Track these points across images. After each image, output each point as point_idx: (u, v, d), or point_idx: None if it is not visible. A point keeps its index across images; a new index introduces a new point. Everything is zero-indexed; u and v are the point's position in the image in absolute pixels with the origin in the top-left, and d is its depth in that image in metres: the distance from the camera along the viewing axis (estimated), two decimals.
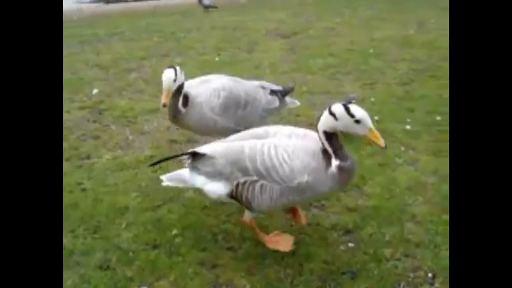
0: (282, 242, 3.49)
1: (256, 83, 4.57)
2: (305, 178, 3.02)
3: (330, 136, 3.03)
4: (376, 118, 5.61)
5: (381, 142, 2.99)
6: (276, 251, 3.44)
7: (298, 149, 3.09)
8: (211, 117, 4.11)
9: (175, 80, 3.93)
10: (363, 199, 4.10)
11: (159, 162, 3.81)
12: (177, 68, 3.97)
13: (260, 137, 3.29)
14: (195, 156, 3.38)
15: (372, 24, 10.53)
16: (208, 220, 3.86)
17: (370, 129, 2.97)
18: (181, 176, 3.51)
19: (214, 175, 3.29)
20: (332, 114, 2.95)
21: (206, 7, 12.25)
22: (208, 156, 3.29)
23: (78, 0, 17.04)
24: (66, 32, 10.33)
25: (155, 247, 3.59)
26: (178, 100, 4.08)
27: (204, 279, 3.27)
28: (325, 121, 2.99)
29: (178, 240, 3.65)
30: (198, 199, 4.13)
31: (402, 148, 4.96)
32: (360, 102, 6.10)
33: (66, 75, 7.27)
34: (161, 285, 3.24)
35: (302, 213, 3.68)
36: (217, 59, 7.95)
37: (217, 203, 4.08)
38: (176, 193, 4.24)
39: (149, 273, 3.33)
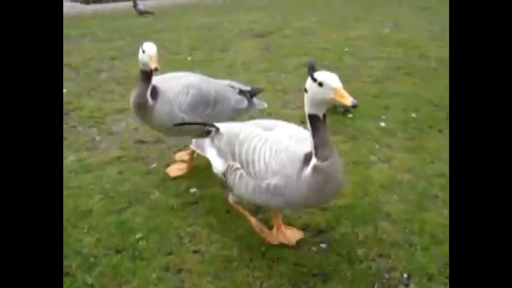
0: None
1: (225, 82, 4.43)
2: (274, 180, 2.85)
3: (316, 121, 2.69)
4: (350, 115, 5.51)
5: (348, 100, 2.54)
6: (244, 254, 3.29)
7: (282, 150, 2.89)
8: (178, 115, 3.94)
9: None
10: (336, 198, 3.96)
11: (182, 124, 3.81)
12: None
13: (267, 128, 3.16)
14: (217, 130, 3.41)
15: (347, 24, 10.45)
16: (174, 222, 3.69)
17: (335, 89, 2.56)
18: (203, 144, 3.56)
19: (219, 151, 3.32)
20: (305, 89, 2.68)
21: (141, 13, 11.99)
22: (220, 131, 3.35)
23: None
24: None
25: (118, 251, 3.40)
26: (146, 88, 3.90)
27: (169, 284, 3.09)
28: (305, 101, 2.70)
29: (142, 243, 3.47)
30: (164, 201, 3.96)
31: (377, 146, 4.85)
32: None
33: None
34: None
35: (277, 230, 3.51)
36: (189, 58, 7.78)
37: (184, 204, 3.93)
38: (141, 195, 4.06)
39: (111, 279, 3.14)
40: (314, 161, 2.72)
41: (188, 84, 4.04)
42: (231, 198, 3.41)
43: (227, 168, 3.21)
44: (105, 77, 7.22)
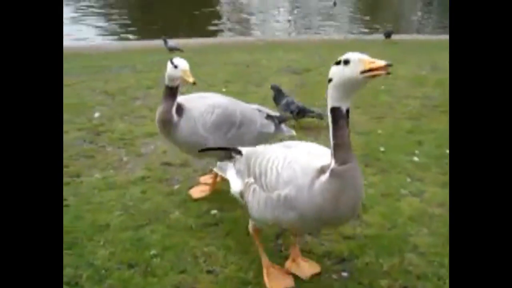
0: (278, 280, 3.13)
1: (253, 106, 4.38)
2: (285, 191, 2.64)
3: (338, 117, 2.47)
4: (382, 149, 5.35)
5: (380, 62, 2.27)
6: (261, 277, 3.14)
7: (296, 161, 2.71)
8: (202, 134, 3.88)
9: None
10: (361, 227, 3.78)
11: (207, 149, 3.71)
12: None
13: (288, 146, 2.99)
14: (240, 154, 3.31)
15: None
16: (191, 241, 3.57)
17: (363, 60, 2.33)
18: (225, 166, 3.47)
19: (238, 172, 3.23)
20: (329, 80, 2.47)
21: (171, 49, 12.21)
22: (242, 154, 3.26)
23: (102, 36, 17.37)
24: (78, 63, 10.46)
25: (130, 266, 3.31)
26: (172, 105, 3.87)
27: None
28: (328, 93, 2.49)
29: (156, 260, 3.36)
30: (183, 221, 3.87)
31: (408, 179, 4.65)
32: (367, 134, 5.88)
33: (71, 100, 7.17)
34: None
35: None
36: (224, 90, 7.81)
37: (203, 225, 3.83)
38: (161, 214, 3.98)
39: None
40: (332, 164, 2.49)
41: (214, 104, 4.01)
42: (250, 225, 3.20)
43: (244, 187, 3.06)
44: (139, 104, 7.31)
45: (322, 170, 2.56)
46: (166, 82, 3.87)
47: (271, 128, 4.23)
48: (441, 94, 7.76)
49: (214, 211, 4.01)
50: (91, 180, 4.65)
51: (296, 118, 6.16)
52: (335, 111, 2.49)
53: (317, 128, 6.23)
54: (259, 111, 4.28)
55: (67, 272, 3.19)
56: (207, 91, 4.62)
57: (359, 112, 6.70)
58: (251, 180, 2.96)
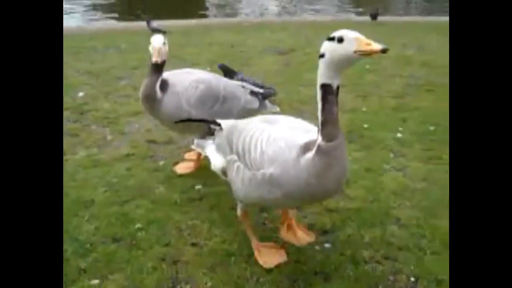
0: (270, 256, 3.14)
1: (237, 82, 4.38)
2: (270, 169, 2.61)
3: (328, 93, 2.45)
4: (366, 126, 5.39)
5: (376, 45, 2.26)
6: (244, 249, 3.18)
7: (280, 138, 2.67)
8: (186, 109, 3.88)
9: (164, 44, 3.83)
10: (344, 201, 3.82)
11: (184, 121, 3.68)
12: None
13: (271, 122, 2.94)
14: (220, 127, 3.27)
15: None
16: (175, 216, 3.60)
17: (358, 39, 2.30)
18: (203, 143, 3.47)
19: (218, 147, 3.19)
20: (320, 56, 2.44)
21: (154, 30, 11.99)
22: (221, 127, 3.21)
23: (90, 19, 17.11)
24: (64, 44, 10.32)
25: (115, 240, 3.33)
26: (156, 80, 3.85)
27: (163, 274, 3.00)
28: (319, 70, 2.47)
29: (140, 234, 3.39)
30: (168, 196, 3.90)
31: (392, 155, 4.70)
32: (351, 112, 5.91)
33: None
34: (115, 278, 2.97)
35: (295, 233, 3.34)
36: (208, 69, 7.78)
37: (187, 200, 3.85)
38: (146, 190, 4.00)
39: (104, 266, 3.07)
40: (319, 140, 2.47)
41: (198, 79, 4.00)
42: (238, 210, 3.14)
43: (226, 163, 3.04)
44: (124, 84, 7.25)
45: (307, 147, 2.55)
46: (151, 58, 3.85)
47: (255, 104, 4.24)
48: (427, 74, 7.81)
49: (198, 186, 4.03)
50: (75, 158, 4.64)
51: None
52: (325, 87, 2.47)
53: (300, 105, 6.24)
54: (243, 87, 4.29)
55: None
56: None
57: (344, 90, 6.69)
58: (234, 157, 2.92)
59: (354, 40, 2.31)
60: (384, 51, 2.26)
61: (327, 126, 2.46)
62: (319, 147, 2.47)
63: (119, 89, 6.97)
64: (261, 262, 3.08)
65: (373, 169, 4.38)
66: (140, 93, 3.94)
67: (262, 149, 2.70)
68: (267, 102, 4.40)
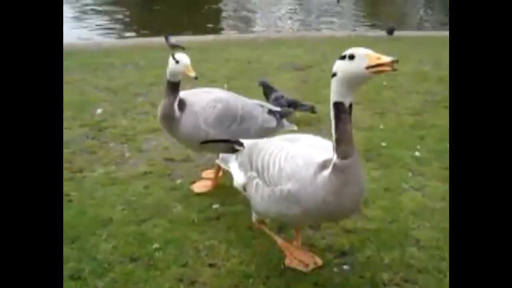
0: (302, 259, 3.21)
1: (255, 101, 4.40)
2: (288, 186, 2.67)
3: (341, 112, 2.49)
4: (383, 144, 5.35)
5: (386, 58, 2.30)
6: (262, 270, 3.16)
7: (298, 156, 2.73)
8: (204, 128, 3.90)
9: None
10: (363, 221, 3.79)
11: (208, 141, 3.78)
12: None
13: (291, 140, 3.00)
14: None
15: None
16: (193, 235, 3.60)
17: (369, 55, 2.34)
18: (228, 158, 3.51)
19: (241, 165, 3.23)
20: (333, 75, 2.48)
21: (173, 47, 12.06)
22: (244, 146, 3.30)
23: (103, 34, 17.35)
24: (80, 61, 10.46)
25: (133, 260, 3.34)
26: (174, 100, 3.91)
27: None
28: (332, 87, 2.51)
29: (158, 254, 3.39)
30: (185, 215, 3.89)
31: (410, 174, 4.66)
32: (369, 130, 5.88)
33: (73, 97, 7.17)
34: None
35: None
36: (225, 86, 7.82)
37: (205, 219, 3.85)
38: (164, 209, 4.00)
39: (122, 286, 3.08)
40: (334, 158, 2.51)
41: (216, 99, 4.03)
42: (254, 217, 3.23)
43: (247, 180, 3.10)
44: (142, 100, 7.32)
45: (324, 165, 2.58)
46: (168, 77, 3.90)
47: (273, 123, 4.25)
48: (444, 90, 7.73)
49: (216, 205, 4.03)
50: (93, 176, 4.68)
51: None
52: (338, 105, 2.51)
53: (317, 122, 6.23)
54: (261, 106, 4.31)
55: (70, 266, 3.22)
56: (210, 87, 4.65)
57: (361, 108, 6.70)
58: (254, 174, 2.99)
59: (365, 56, 2.36)
60: (393, 62, 2.29)
61: (342, 144, 2.50)
62: (334, 165, 2.50)
63: (137, 105, 7.04)
64: (299, 267, 3.15)
65: (391, 189, 4.34)
66: (158, 112, 3.98)
67: (280, 166, 2.75)
68: (284, 121, 4.41)
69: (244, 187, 3.16)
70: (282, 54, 11.42)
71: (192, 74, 3.85)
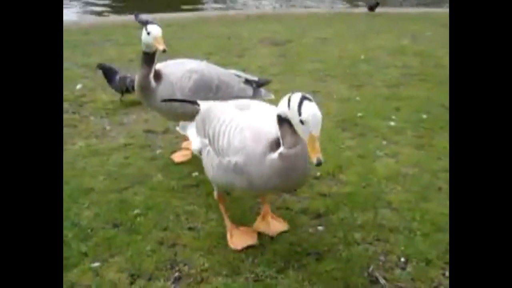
0: (240, 238, 3.26)
1: (231, 71, 4.46)
2: (236, 158, 2.74)
3: (283, 121, 2.61)
4: (359, 114, 5.49)
5: (313, 156, 2.43)
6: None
7: (248, 128, 2.78)
8: (179, 98, 3.96)
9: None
10: (337, 186, 3.93)
11: (167, 100, 3.80)
12: None
13: (243, 107, 3.07)
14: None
15: (365, 35, 10.46)
16: (173, 201, 3.70)
17: (311, 136, 2.46)
18: (186, 125, 3.61)
19: (197, 129, 3.32)
20: (288, 100, 2.54)
21: (143, 23, 11.81)
22: (199, 108, 3.35)
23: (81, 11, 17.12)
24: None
25: (115, 225, 3.43)
26: (149, 71, 3.97)
27: (162, 256, 3.10)
28: (281, 104, 2.60)
29: (139, 219, 3.49)
30: (165, 183, 3.99)
31: (384, 142, 4.81)
32: (346, 101, 6.01)
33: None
34: (116, 261, 3.07)
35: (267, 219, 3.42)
36: (204, 62, 7.84)
37: (185, 186, 3.95)
38: (144, 178, 4.09)
39: (105, 250, 3.17)
40: (281, 148, 2.62)
41: (191, 69, 4.09)
42: (215, 192, 3.29)
43: (202, 145, 3.17)
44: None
45: (272, 145, 2.67)
46: (143, 48, 3.95)
47: (249, 92, 4.33)
48: (421, 63, 7.91)
49: (195, 173, 4.13)
50: (74, 148, 4.73)
51: (132, 91, 5.74)
52: (280, 118, 2.62)
53: None
54: (238, 76, 4.38)
55: None
56: None
57: (338, 81, 6.82)
58: (206, 141, 3.07)
59: (308, 134, 2.46)
60: (318, 165, 2.44)
61: (286, 137, 2.61)
62: (281, 154, 2.62)
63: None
64: (230, 243, 3.21)
65: (366, 156, 4.49)
66: (135, 84, 4.04)
67: (229, 138, 2.82)
68: (262, 90, 4.48)
69: (200, 152, 3.22)
70: (261, 29, 11.44)
71: (161, 47, 3.88)
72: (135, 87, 4.06)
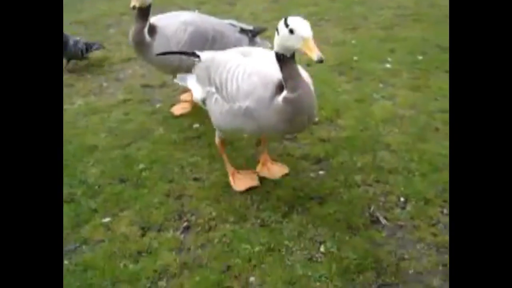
0: (242, 180, 3.39)
1: (226, 21, 4.43)
2: (246, 102, 2.80)
3: (282, 59, 2.66)
4: (355, 58, 5.49)
5: (314, 54, 2.46)
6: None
7: (255, 73, 2.84)
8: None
9: None
10: (336, 131, 4.01)
11: (164, 53, 3.73)
12: None
13: (245, 54, 3.11)
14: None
15: None
16: (176, 154, 3.79)
17: (304, 39, 2.49)
18: (185, 76, 3.62)
19: (198, 78, 3.34)
20: (276, 29, 2.61)
21: None
22: (200, 59, 3.34)
23: None
24: None
25: (121, 181, 3.53)
26: (143, 25, 3.93)
27: (169, 208, 3.21)
28: (274, 41, 2.65)
29: (145, 173, 3.58)
30: (167, 137, 4.07)
31: (381, 85, 4.84)
32: (341, 44, 5.99)
33: None
34: (125, 215, 3.18)
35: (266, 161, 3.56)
36: (196, 11, 7.74)
37: (187, 139, 4.02)
38: (146, 132, 4.16)
39: (114, 205, 3.28)
40: (284, 92, 2.68)
41: (186, 21, 4.06)
42: (217, 139, 3.35)
43: (206, 94, 3.20)
44: (114, 31, 7.24)
45: (279, 88, 2.73)
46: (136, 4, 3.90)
47: (245, 42, 4.32)
48: (415, 3, 7.79)
49: (196, 125, 4.20)
50: (74, 107, 4.77)
51: (86, 55, 5.71)
52: (279, 55, 2.66)
53: None
54: (233, 25, 4.35)
55: (63, 191, 3.38)
56: None
57: (332, 24, 6.75)
58: (213, 89, 3.09)
59: (301, 39, 2.51)
60: (319, 61, 2.47)
61: (290, 80, 2.67)
62: (285, 98, 2.68)
63: (110, 36, 6.97)
64: (233, 185, 3.35)
65: (363, 99, 4.53)
66: (130, 39, 4.02)
67: (238, 84, 2.88)
68: (257, 38, 4.47)
69: (203, 101, 3.27)
70: None
71: (132, 3, 3.84)
72: (130, 42, 4.04)
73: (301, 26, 2.52)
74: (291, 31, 2.51)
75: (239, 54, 3.11)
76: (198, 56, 3.38)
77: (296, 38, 2.51)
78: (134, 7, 3.86)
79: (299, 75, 2.70)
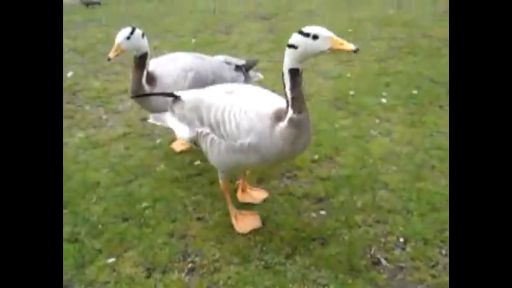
0: (245, 222, 3.45)
1: (220, 58, 4.43)
2: (248, 139, 2.91)
3: (296, 76, 2.73)
4: (351, 92, 5.60)
5: (349, 46, 2.57)
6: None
7: (251, 110, 2.95)
8: None
9: (128, 38, 3.75)
10: (336, 169, 4.08)
11: (142, 96, 3.82)
12: (137, 30, 3.81)
13: (228, 92, 3.20)
14: (175, 99, 3.45)
15: (352, 5, 10.49)
16: (178, 192, 3.82)
17: (331, 38, 2.59)
18: (162, 116, 3.62)
19: (182, 119, 3.37)
20: (291, 46, 2.67)
21: (87, 4, 11.37)
22: (181, 99, 3.37)
23: None
24: None
25: (125, 219, 3.55)
26: (141, 75, 3.87)
27: (173, 248, 3.23)
28: (288, 57, 2.72)
29: (148, 212, 3.61)
30: (169, 173, 4.10)
31: (377, 121, 4.94)
32: (337, 78, 6.11)
33: None
34: (129, 256, 3.19)
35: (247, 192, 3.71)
36: (193, 41, 7.87)
37: (188, 176, 4.06)
38: (147, 169, 4.19)
39: (117, 245, 3.29)
40: (290, 113, 2.80)
41: (186, 68, 4.05)
42: (221, 181, 3.37)
43: (197, 135, 3.23)
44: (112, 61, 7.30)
45: (278, 116, 2.87)
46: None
47: (241, 79, 4.37)
48: (407, 35, 7.99)
49: (197, 162, 4.24)
50: (74, 141, 4.80)
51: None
52: (293, 71, 2.75)
53: None
54: (228, 63, 4.38)
55: (66, 229, 3.41)
56: (177, 42, 4.71)
57: (327, 57, 6.89)
58: (206, 130, 3.14)
59: (328, 39, 2.61)
60: (356, 51, 2.57)
61: (296, 101, 2.79)
62: (290, 119, 2.81)
63: (107, 66, 7.04)
64: (237, 228, 3.40)
65: (360, 136, 4.62)
66: (129, 89, 3.97)
67: (236, 122, 2.97)
68: (251, 72, 4.52)
69: (193, 141, 3.32)
70: (245, 1, 11.37)
71: (109, 54, 3.79)
72: (130, 93, 4.00)
73: (321, 29, 2.63)
74: (315, 37, 2.60)
75: (223, 92, 3.21)
76: (176, 97, 3.42)
77: (323, 40, 2.60)
78: (109, 59, 3.79)
79: (303, 97, 2.82)
